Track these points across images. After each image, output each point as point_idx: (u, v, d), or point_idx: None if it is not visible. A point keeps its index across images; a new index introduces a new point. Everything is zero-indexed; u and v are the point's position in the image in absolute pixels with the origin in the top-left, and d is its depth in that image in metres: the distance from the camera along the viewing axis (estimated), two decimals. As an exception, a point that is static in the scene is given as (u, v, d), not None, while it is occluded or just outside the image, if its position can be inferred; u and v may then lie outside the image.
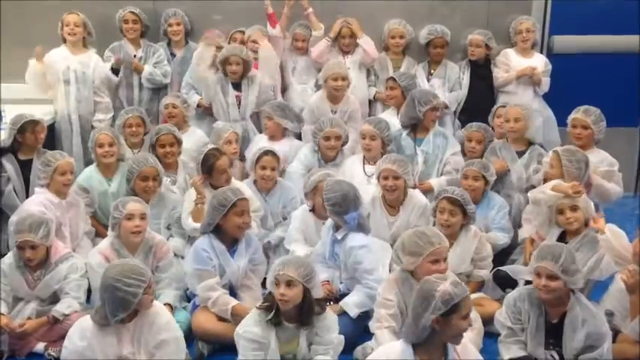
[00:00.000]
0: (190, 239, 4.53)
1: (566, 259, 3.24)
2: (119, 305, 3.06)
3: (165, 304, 3.84)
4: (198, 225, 4.38)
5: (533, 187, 4.62)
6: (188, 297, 4.15)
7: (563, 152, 4.36)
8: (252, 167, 4.80)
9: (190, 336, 3.72)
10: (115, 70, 5.77)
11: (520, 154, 4.98)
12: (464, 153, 5.16)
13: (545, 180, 4.44)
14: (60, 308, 3.81)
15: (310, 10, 5.85)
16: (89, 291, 4.01)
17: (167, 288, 4.00)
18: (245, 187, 4.64)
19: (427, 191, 4.79)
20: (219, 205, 3.90)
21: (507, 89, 5.92)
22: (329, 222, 4.13)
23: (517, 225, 4.70)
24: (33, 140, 4.80)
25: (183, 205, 4.64)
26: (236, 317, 3.73)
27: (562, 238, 4.04)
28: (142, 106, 5.78)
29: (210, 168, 4.58)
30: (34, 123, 4.80)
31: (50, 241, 3.91)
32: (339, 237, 4.00)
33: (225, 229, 3.95)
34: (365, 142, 4.92)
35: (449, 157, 5.03)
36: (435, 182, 4.94)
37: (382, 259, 4.06)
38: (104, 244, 4.02)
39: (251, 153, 5.02)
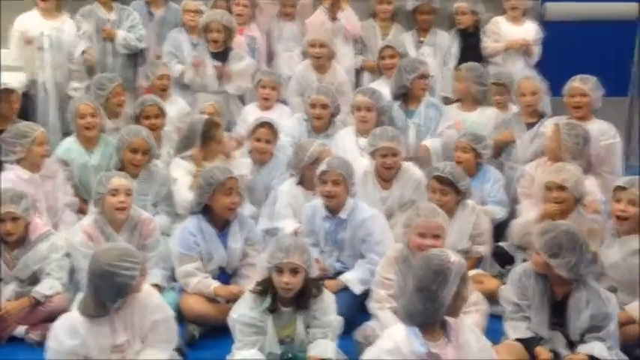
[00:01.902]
0: (178, 217, 4.34)
1: None
2: (117, 291, 2.89)
3: (153, 285, 3.66)
4: None
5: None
6: (175, 277, 3.96)
7: (563, 126, 4.25)
8: (249, 137, 4.63)
9: (180, 318, 3.56)
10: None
11: (530, 126, 4.85)
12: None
13: (544, 153, 4.34)
14: (41, 289, 3.60)
15: None
16: (71, 271, 3.79)
17: (154, 267, 3.81)
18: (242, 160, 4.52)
19: (425, 155, 4.67)
20: (205, 184, 3.70)
21: (496, 60, 5.80)
22: (317, 204, 3.94)
23: (515, 200, 4.59)
24: (7, 110, 4.55)
25: (174, 179, 4.41)
26: (220, 298, 3.62)
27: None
28: (117, 73, 5.51)
29: (205, 137, 4.39)
30: (8, 92, 4.56)
31: (30, 217, 3.70)
32: (345, 216, 3.84)
33: (215, 210, 3.76)
34: (360, 114, 4.73)
35: (443, 130, 4.87)
36: (429, 143, 4.79)
37: (386, 228, 3.93)
38: (87, 220, 3.81)
39: (245, 123, 4.84)
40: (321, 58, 5.24)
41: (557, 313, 3.22)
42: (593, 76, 4.70)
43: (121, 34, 5.57)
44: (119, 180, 3.73)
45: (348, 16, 5.67)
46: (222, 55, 5.34)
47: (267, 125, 4.58)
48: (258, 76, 5.27)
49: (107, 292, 2.89)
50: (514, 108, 5.16)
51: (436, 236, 3.32)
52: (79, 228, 3.77)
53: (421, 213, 3.33)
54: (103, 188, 3.70)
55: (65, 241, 3.81)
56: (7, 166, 4.21)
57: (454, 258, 2.73)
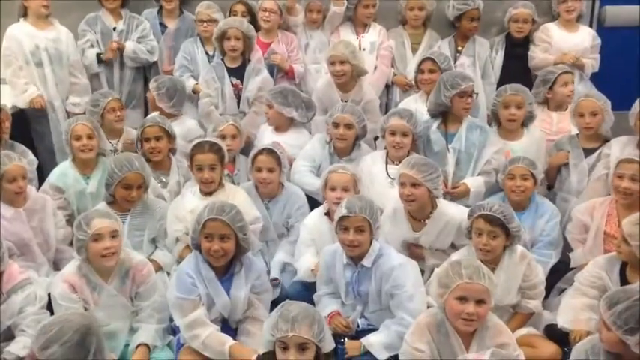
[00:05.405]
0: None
1: None
2: None
3: (142, 345, 3.19)
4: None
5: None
6: (173, 329, 3.41)
7: None
8: (251, 170, 4.06)
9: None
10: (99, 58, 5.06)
11: (589, 152, 4.19)
12: (499, 125, 4.36)
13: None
14: (13, 349, 3.06)
15: None
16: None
17: (146, 321, 3.29)
18: (241, 193, 3.93)
19: (462, 196, 4.05)
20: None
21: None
22: (337, 249, 3.37)
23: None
24: None
25: (168, 217, 3.87)
26: None
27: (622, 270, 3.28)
28: (124, 88, 5.14)
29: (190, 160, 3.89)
30: None
31: (4, 266, 3.18)
32: (368, 264, 3.26)
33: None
34: (396, 139, 4.09)
35: (492, 155, 4.17)
36: (471, 182, 4.12)
37: (419, 278, 3.35)
38: (69, 268, 3.26)
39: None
40: (341, 77, 4.60)
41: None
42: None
43: (130, 46, 5.09)
44: (101, 222, 3.18)
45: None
46: (239, 71, 4.78)
47: (266, 152, 3.99)
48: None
49: None
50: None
51: (480, 301, 2.72)
52: (60, 278, 3.22)
53: (463, 272, 2.73)
54: (84, 234, 3.15)
55: (45, 291, 3.29)
56: None
57: None
